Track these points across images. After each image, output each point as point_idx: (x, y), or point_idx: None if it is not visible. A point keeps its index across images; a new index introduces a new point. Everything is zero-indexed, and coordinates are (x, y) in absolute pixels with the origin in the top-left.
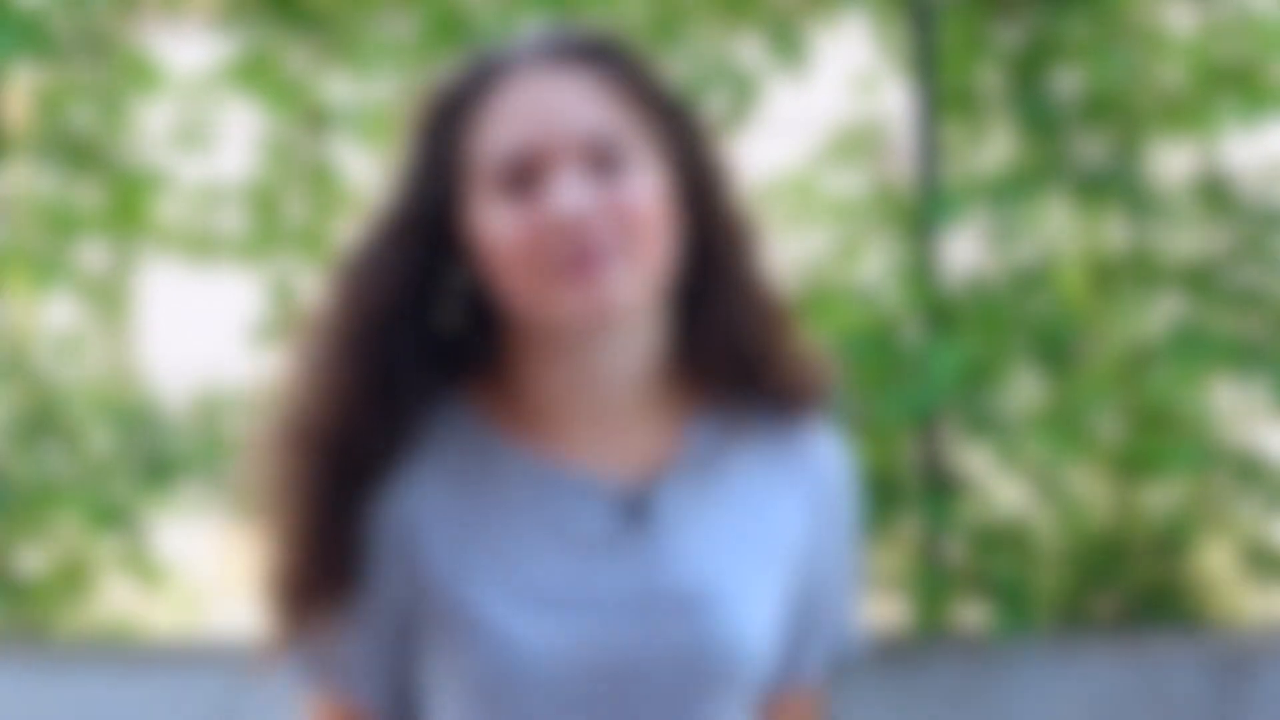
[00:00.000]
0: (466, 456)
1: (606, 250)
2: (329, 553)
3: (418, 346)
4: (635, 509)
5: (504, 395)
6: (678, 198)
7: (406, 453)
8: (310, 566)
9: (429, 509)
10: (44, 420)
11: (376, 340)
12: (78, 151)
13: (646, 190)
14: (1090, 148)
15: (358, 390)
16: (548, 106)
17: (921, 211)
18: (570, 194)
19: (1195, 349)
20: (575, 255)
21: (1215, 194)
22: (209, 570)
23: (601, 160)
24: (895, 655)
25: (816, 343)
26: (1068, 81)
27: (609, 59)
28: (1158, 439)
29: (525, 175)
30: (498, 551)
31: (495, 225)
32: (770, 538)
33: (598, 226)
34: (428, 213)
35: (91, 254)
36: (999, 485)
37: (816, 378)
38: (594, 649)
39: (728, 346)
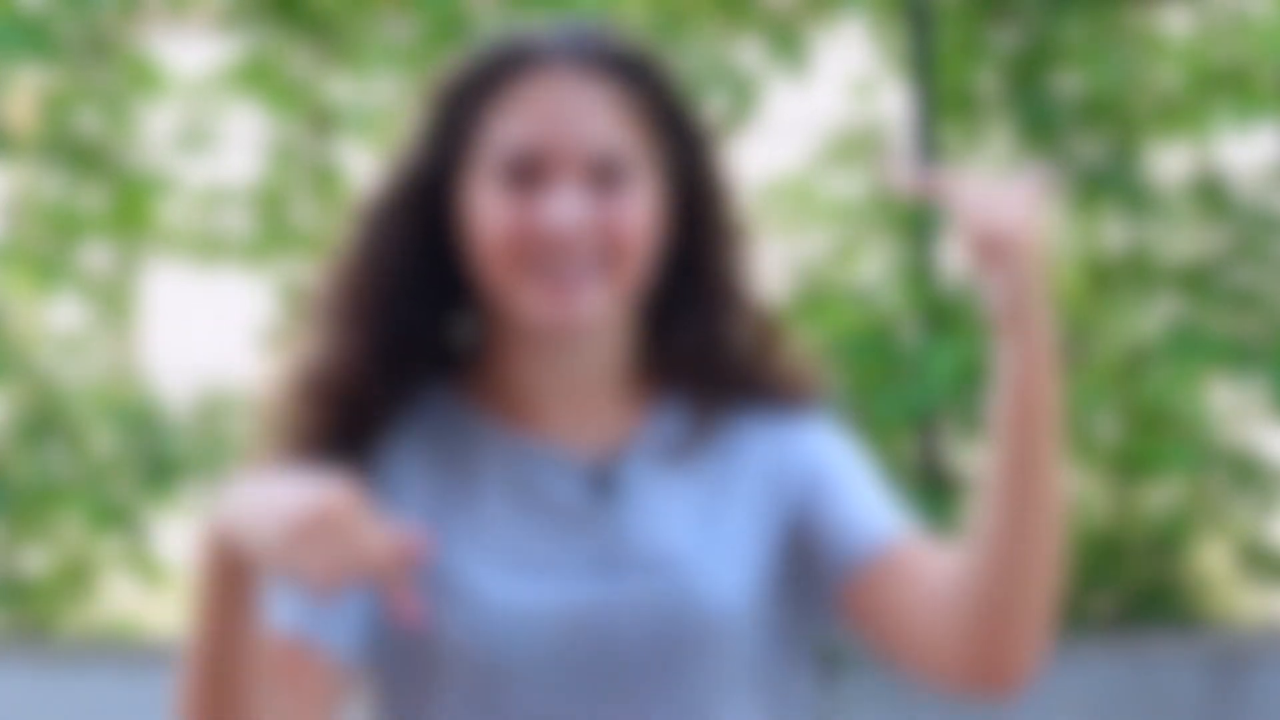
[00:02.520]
0: (446, 432)
1: (585, 270)
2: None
3: (416, 319)
4: (602, 480)
5: (483, 380)
6: (671, 205)
7: (397, 419)
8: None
9: (410, 476)
10: (47, 421)
11: (379, 300)
12: (82, 154)
13: (638, 213)
14: (1087, 150)
15: (359, 347)
16: (565, 111)
17: (920, 213)
18: (564, 207)
19: (1192, 349)
20: (554, 267)
21: (1212, 196)
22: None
23: (603, 176)
24: None
25: (804, 346)
26: (1065, 84)
27: (633, 71)
28: (1155, 439)
29: (528, 173)
30: (472, 517)
31: (488, 211)
32: (739, 515)
33: (582, 245)
34: (433, 185)
35: (96, 256)
36: None
37: (800, 380)
38: (565, 609)
39: (702, 345)
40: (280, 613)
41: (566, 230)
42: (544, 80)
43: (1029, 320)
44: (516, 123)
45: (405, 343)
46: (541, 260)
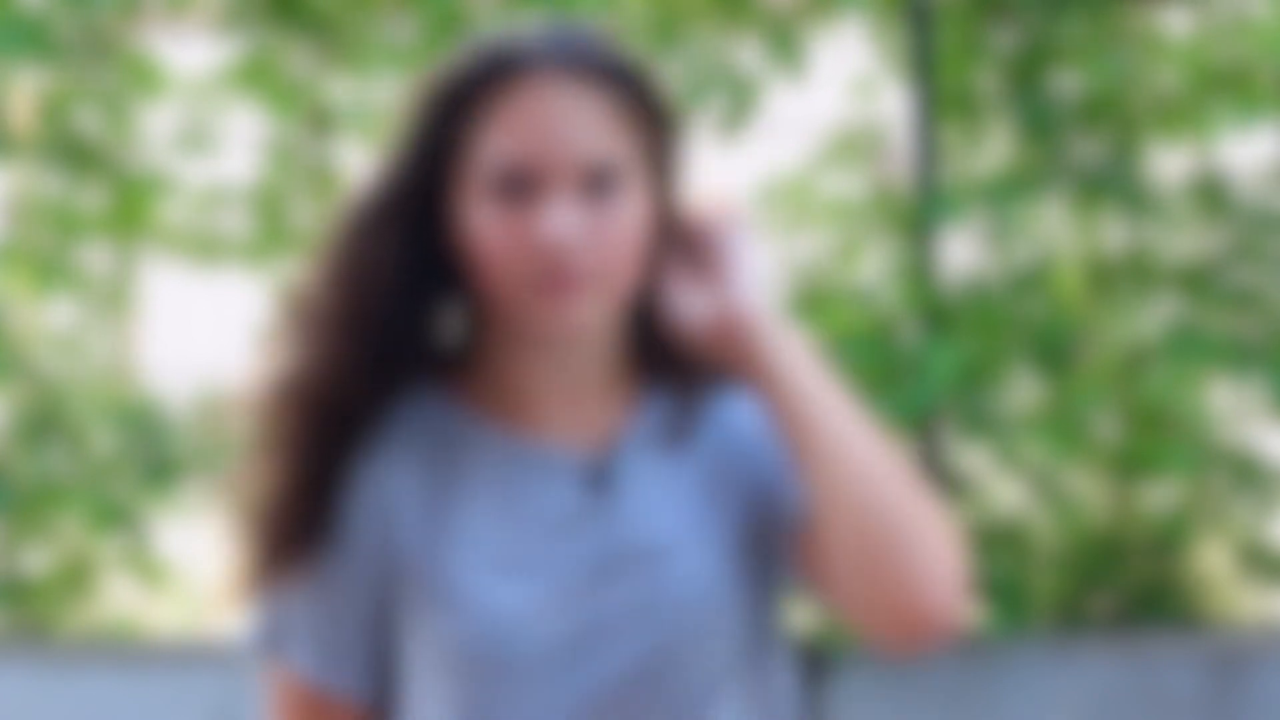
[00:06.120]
0: (437, 432)
1: (584, 276)
2: (307, 497)
3: (403, 323)
4: (596, 478)
5: (474, 378)
6: (662, 207)
7: (384, 422)
8: (289, 509)
9: (401, 481)
10: (47, 421)
11: (365, 307)
12: (82, 154)
13: (632, 219)
14: (1087, 149)
15: (345, 354)
16: (554, 123)
17: (920, 213)
18: (560, 219)
19: (1192, 350)
20: (554, 275)
21: (1211, 195)
22: (210, 570)
23: (595, 184)
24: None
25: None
26: (1065, 84)
27: (619, 75)
28: (1155, 439)
29: (521, 185)
30: (467, 520)
31: (484, 226)
32: (722, 497)
33: (580, 252)
34: (419, 191)
35: (95, 255)
36: (997, 485)
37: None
38: (562, 610)
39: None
40: (296, 658)
41: (564, 242)
42: (532, 90)
43: (774, 373)
44: (507, 135)
45: (392, 345)
46: (540, 270)
